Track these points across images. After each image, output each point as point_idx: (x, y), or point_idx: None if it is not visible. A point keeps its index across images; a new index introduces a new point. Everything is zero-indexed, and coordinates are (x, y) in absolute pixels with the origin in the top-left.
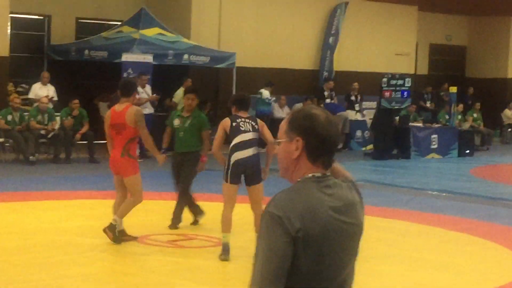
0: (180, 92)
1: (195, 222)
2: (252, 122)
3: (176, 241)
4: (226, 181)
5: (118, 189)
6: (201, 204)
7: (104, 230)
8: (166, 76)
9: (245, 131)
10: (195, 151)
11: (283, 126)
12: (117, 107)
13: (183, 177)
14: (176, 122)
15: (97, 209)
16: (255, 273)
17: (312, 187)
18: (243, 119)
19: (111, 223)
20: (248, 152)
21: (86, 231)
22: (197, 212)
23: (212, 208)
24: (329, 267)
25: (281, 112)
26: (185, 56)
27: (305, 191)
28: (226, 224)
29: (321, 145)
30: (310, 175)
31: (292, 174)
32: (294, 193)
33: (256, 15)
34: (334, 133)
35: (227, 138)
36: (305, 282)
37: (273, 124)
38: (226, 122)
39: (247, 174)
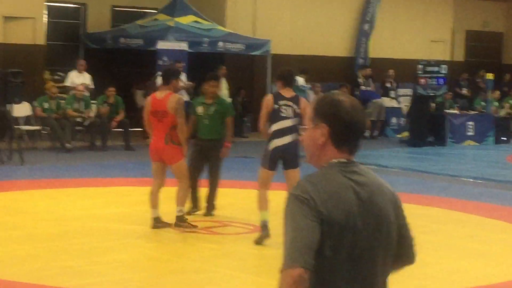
0: None
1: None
2: (294, 106)
3: (211, 228)
4: (263, 167)
5: (156, 176)
6: (235, 191)
7: (176, 224)
8: (201, 64)
9: (285, 118)
10: (220, 138)
11: (308, 112)
12: (158, 94)
13: (213, 165)
14: (199, 109)
15: (132, 196)
16: (285, 253)
17: (336, 173)
18: (285, 101)
19: (177, 216)
20: (287, 139)
21: (121, 217)
22: (196, 200)
23: (246, 196)
24: (352, 253)
25: None
26: (220, 44)
27: (329, 176)
28: (263, 201)
29: (346, 131)
30: (335, 160)
31: (317, 160)
32: (318, 179)
33: (291, 2)
34: (360, 119)
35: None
36: (328, 267)
37: None
38: (269, 100)
39: (285, 158)
